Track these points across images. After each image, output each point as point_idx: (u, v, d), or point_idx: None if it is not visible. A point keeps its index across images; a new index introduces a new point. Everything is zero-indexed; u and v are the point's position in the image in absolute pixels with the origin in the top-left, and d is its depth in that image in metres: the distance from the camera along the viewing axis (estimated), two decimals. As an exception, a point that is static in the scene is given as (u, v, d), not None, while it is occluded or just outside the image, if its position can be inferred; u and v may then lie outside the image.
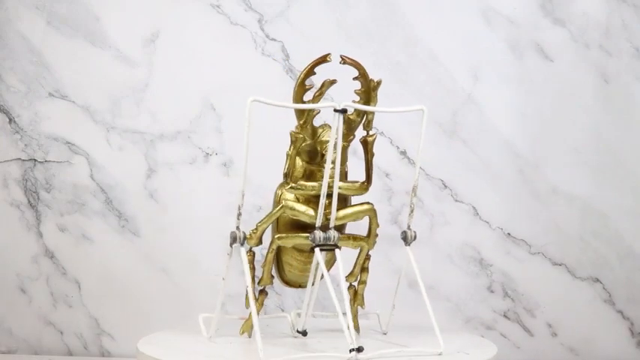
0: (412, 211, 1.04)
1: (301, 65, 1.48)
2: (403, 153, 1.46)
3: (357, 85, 0.99)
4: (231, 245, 0.97)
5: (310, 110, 0.98)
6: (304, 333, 1.04)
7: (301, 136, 0.99)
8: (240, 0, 1.48)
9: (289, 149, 1.00)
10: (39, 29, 1.49)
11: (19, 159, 1.50)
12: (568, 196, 1.46)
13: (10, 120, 1.50)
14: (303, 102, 0.98)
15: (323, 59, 0.98)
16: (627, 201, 1.46)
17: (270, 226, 1.01)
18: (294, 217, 1.00)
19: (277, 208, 0.99)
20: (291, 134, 0.98)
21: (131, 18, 1.49)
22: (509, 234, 1.47)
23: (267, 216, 0.99)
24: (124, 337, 1.48)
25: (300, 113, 0.98)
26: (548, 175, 1.46)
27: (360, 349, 0.90)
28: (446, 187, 1.47)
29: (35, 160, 1.50)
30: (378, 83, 1.00)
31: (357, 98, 1.00)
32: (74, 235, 1.49)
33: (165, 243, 1.49)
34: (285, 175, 1.00)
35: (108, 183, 1.49)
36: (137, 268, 1.49)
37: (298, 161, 1.01)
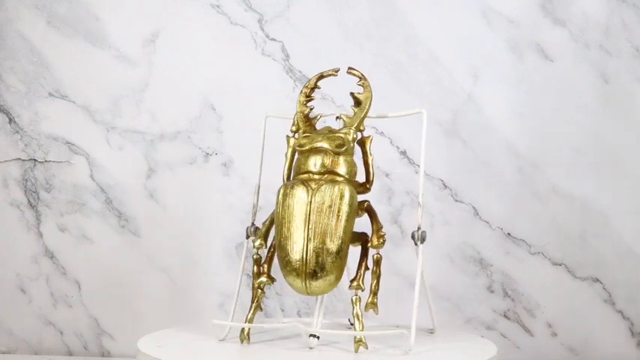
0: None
1: (301, 65, 1.49)
2: (403, 153, 1.46)
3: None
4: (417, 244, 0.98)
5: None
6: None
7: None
8: (240, 0, 1.48)
9: (348, 151, 1.00)
10: (39, 29, 1.49)
11: (19, 159, 1.50)
12: (568, 196, 1.46)
13: (10, 120, 1.50)
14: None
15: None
16: (627, 201, 1.45)
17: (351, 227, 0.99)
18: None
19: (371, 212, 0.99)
20: (370, 139, 1.01)
21: (131, 18, 1.49)
22: (509, 234, 1.47)
23: (376, 217, 0.99)
24: (124, 337, 1.48)
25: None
26: (548, 175, 1.46)
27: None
28: (446, 187, 1.47)
29: (35, 160, 1.50)
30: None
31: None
32: (74, 235, 1.49)
33: (165, 243, 1.49)
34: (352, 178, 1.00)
35: (108, 183, 1.49)
36: (137, 268, 1.49)
37: None
